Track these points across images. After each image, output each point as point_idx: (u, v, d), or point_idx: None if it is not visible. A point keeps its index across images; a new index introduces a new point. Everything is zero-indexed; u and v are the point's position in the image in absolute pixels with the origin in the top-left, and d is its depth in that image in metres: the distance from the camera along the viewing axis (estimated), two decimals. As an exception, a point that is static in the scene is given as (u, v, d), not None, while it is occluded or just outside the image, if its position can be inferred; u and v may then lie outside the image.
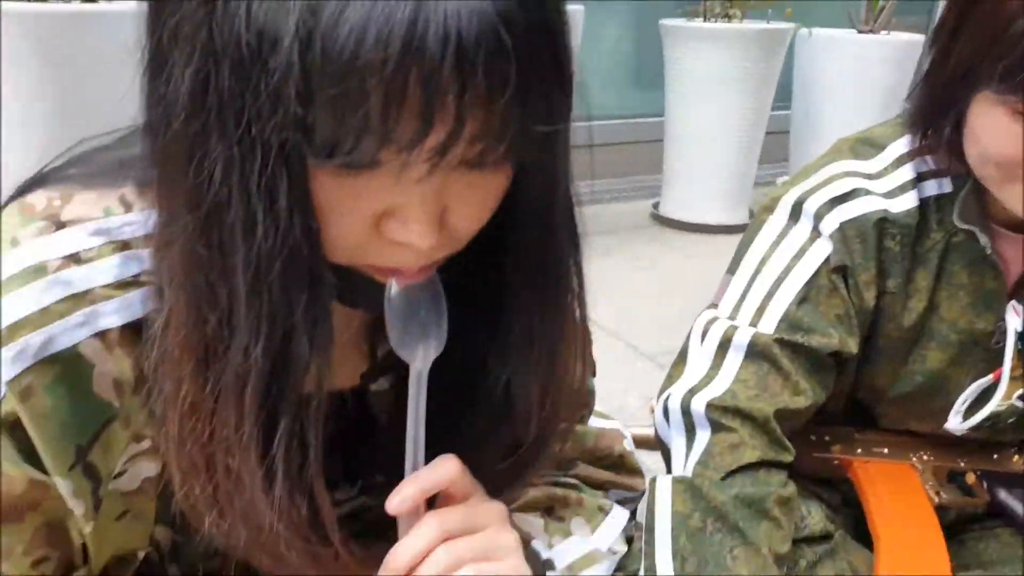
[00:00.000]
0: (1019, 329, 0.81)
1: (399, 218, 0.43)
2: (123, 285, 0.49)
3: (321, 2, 0.36)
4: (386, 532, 0.84)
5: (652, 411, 1.05)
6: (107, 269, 0.49)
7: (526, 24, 0.38)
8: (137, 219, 0.49)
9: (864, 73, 2.82)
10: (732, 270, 0.86)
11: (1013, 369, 0.83)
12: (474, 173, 0.44)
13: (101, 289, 0.48)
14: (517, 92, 0.39)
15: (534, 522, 0.68)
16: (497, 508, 0.54)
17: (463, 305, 0.54)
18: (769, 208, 0.85)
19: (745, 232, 0.88)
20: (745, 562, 0.71)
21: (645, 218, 2.85)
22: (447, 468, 0.51)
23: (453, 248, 0.48)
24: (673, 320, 1.94)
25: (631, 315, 1.99)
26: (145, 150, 0.47)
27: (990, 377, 0.84)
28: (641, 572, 0.73)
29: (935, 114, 0.76)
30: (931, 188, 0.80)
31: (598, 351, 0.69)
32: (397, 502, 0.50)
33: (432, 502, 0.54)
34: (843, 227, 0.79)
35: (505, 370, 0.55)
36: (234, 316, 0.43)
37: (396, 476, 0.91)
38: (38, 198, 0.50)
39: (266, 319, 0.43)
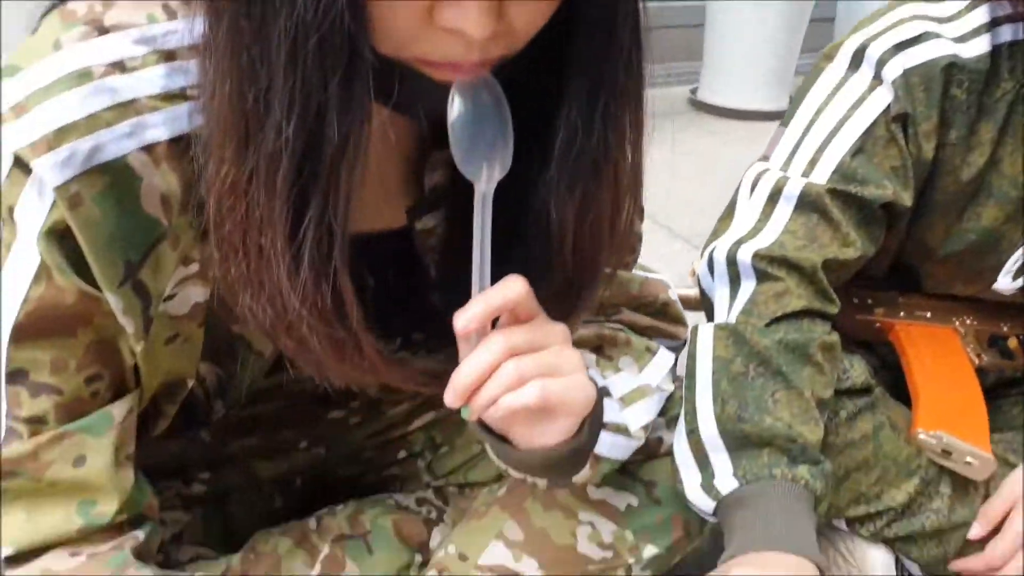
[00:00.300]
0: None
1: (454, 2, 0.42)
2: (169, 97, 0.48)
3: None
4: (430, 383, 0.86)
5: (693, 273, 1.04)
6: (152, 79, 0.47)
7: None
8: (181, 27, 0.48)
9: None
10: (785, 122, 0.83)
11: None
12: None
13: (147, 99, 0.47)
14: None
15: (586, 355, 0.69)
16: (561, 328, 0.53)
17: (515, 122, 0.52)
18: (829, 56, 0.81)
19: (802, 83, 0.84)
20: (787, 405, 0.71)
21: (683, 103, 2.78)
22: (514, 287, 0.50)
23: (509, 46, 0.46)
24: (709, 204, 1.91)
25: (667, 198, 1.96)
26: None
27: (1047, 236, 0.82)
28: (681, 416, 0.74)
29: None
30: (1006, 34, 0.75)
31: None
32: (464, 321, 0.49)
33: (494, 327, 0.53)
34: (907, 73, 0.75)
35: (554, 191, 0.53)
36: (271, 92, 0.43)
37: (438, 332, 0.91)
38: (78, 5, 0.48)
39: (300, 95, 0.42)
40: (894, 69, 0.76)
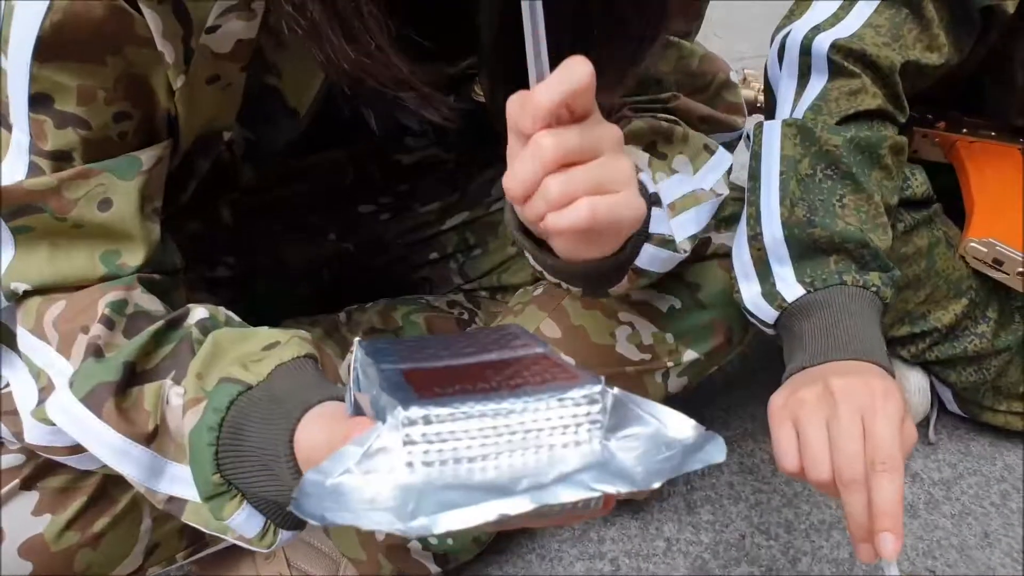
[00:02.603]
0: None
1: None
2: None
3: None
4: (462, 185, 0.78)
5: (744, 79, 0.93)
6: None
7: None
8: None
9: None
10: None
11: None
12: None
13: None
14: None
15: (639, 154, 0.60)
16: (613, 131, 0.43)
17: None
18: None
19: None
20: (855, 210, 0.63)
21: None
22: (580, 73, 0.38)
23: None
24: (749, 26, 1.74)
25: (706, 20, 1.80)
26: None
27: None
28: (742, 220, 0.65)
29: None
30: None
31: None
32: (529, 122, 0.38)
33: None
34: None
35: None
36: None
37: (469, 133, 0.82)
38: None
39: None
40: None
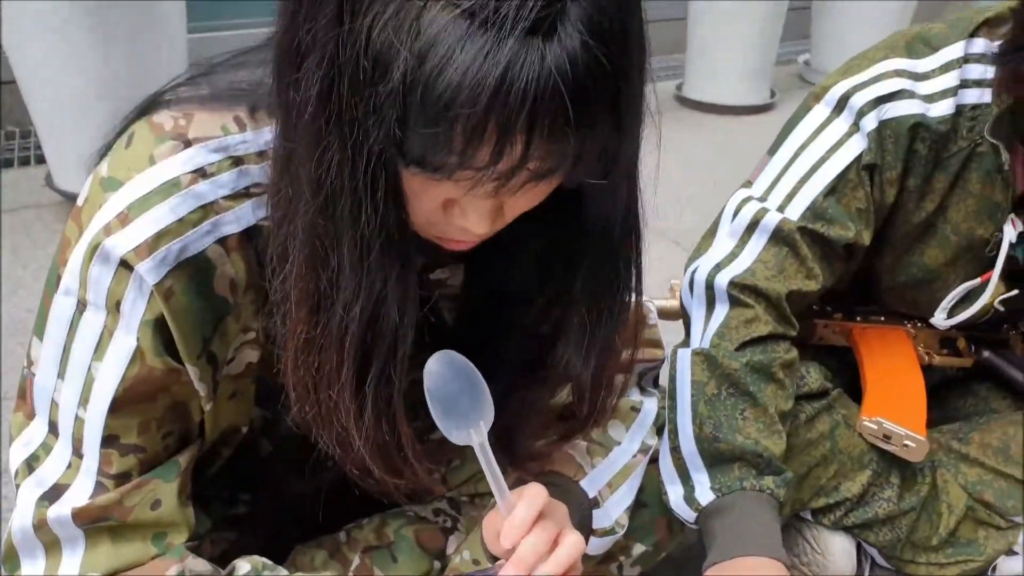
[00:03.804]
0: (1013, 240, 0.82)
1: (462, 208, 0.49)
2: (238, 196, 0.54)
3: (428, 47, 0.40)
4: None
5: (671, 289, 1.08)
6: (226, 182, 0.53)
7: (594, 98, 0.42)
8: (250, 137, 0.55)
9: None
10: (772, 151, 0.86)
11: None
12: (531, 182, 0.47)
13: (222, 200, 0.53)
14: (577, 143, 0.44)
15: (578, 445, 0.74)
16: (562, 509, 0.60)
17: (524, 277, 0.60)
18: (818, 96, 0.84)
19: (792, 115, 0.88)
20: (754, 421, 0.76)
21: (669, 99, 2.73)
22: (538, 500, 0.56)
23: (504, 224, 0.53)
24: (694, 200, 1.91)
25: (652, 196, 1.98)
26: (265, 97, 0.53)
27: (977, 280, 0.86)
28: (665, 434, 0.79)
29: None
30: (971, 96, 0.79)
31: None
32: (509, 541, 0.55)
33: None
34: (881, 127, 0.79)
35: (565, 363, 0.60)
36: (340, 278, 0.49)
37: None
38: (164, 118, 0.54)
39: (365, 287, 0.49)
40: (871, 121, 0.79)
